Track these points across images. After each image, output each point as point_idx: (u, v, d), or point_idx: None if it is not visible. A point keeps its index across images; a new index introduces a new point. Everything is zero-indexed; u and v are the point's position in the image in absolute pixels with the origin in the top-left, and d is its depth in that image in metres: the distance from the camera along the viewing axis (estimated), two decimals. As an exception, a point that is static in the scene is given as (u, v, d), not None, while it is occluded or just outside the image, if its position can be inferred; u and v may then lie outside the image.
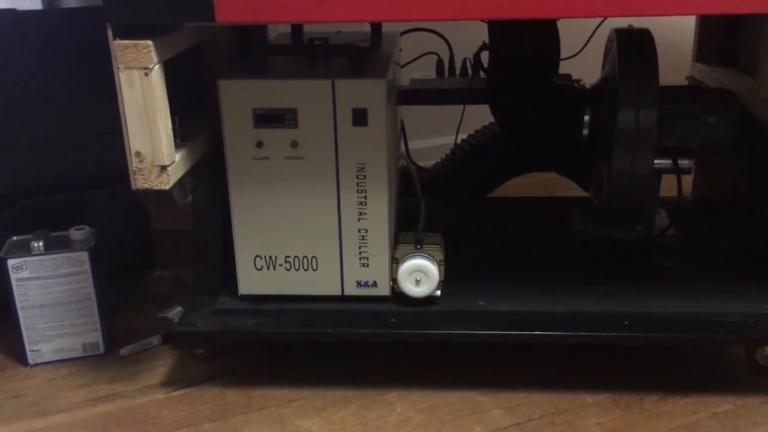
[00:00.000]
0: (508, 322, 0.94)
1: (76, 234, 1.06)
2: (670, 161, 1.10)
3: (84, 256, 1.04)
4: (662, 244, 1.14)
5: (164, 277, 1.28)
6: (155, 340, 1.12)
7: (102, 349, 1.09)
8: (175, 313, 1.02)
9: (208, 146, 0.98)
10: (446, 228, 1.05)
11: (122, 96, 0.81)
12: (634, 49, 1.05)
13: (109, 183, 1.18)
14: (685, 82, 1.34)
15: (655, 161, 1.08)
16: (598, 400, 0.96)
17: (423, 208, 1.06)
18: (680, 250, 1.12)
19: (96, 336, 1.08)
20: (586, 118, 1.14)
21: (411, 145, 1.27)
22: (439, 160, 1.42)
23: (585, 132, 1.14)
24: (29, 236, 1.05)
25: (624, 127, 1.04)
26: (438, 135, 1.65)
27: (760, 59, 1.09)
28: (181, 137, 0.91)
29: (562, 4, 0.75)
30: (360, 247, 0.96)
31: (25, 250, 1.03)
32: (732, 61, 1.24)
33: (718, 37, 1.27)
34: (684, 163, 1.11)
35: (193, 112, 1.00)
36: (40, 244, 1.03)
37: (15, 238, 1.06)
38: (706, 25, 1.28)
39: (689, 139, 1.10)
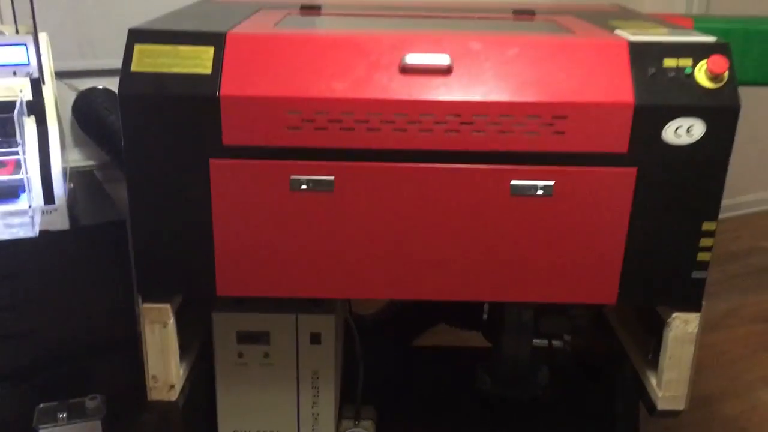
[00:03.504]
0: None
1: (90, 403, 1.36)
2: (546, 342, 1.48)
3: (97, 424, 1.34)
4: (544, 402, 1.51)
5: None
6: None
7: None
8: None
9: (198, 349, 1.30)
10: (376, 385, 1.37)
11: (146, 339, 1.13)
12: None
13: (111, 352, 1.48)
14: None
15: (534, 341, 1.46)
16: None
17: (361, 376, 1.40)
18: (556, 406, 1.49)
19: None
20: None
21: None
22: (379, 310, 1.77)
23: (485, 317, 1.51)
24: (54, 404, 1.34)
25: (509, 319, 1.41)
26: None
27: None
28: (180, 346, 1.23)
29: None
30: (313, 425, 1.30)
31: (52, 418, 1.33)
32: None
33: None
34: (557, 343, 1.49)
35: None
36: (64, 415, 1.33)
37: (42, 406, 1.35)
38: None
39: (559, 328, 1.48)
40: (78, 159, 1.75)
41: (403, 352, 1.69)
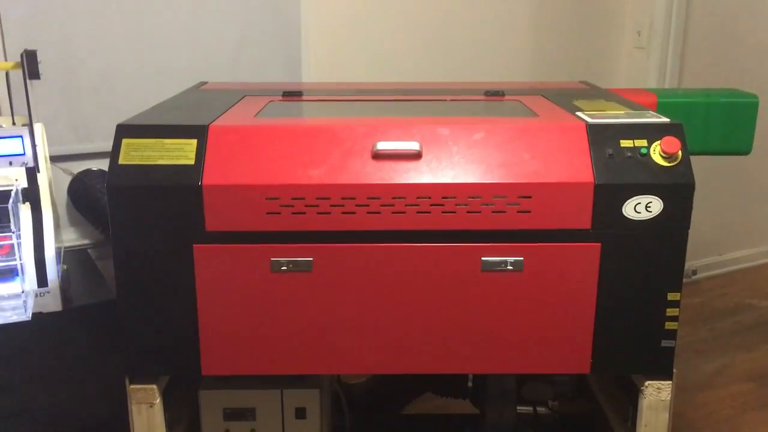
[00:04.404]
0: None
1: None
2: (531, 409, 1.50)
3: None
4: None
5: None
6: None
7: None
8: None
9: (186, 427, 1.33)
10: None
11: (132, 420, 1.16)
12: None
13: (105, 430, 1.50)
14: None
15: (519, 408, 1.48)
16: None
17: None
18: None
19: None
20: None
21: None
22: (368, 380, 1.79)
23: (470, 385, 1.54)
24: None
25: (493, 387, 1.44)
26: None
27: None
28: (168, 424, 1.26)
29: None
30: (301, 499, 1.32)
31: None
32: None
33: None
34: (542, 409, 1.52)
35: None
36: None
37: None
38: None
39: (543, 395, 1.50)
40: (73, 238, 1.80)
41: (392, 421, 1.71)
